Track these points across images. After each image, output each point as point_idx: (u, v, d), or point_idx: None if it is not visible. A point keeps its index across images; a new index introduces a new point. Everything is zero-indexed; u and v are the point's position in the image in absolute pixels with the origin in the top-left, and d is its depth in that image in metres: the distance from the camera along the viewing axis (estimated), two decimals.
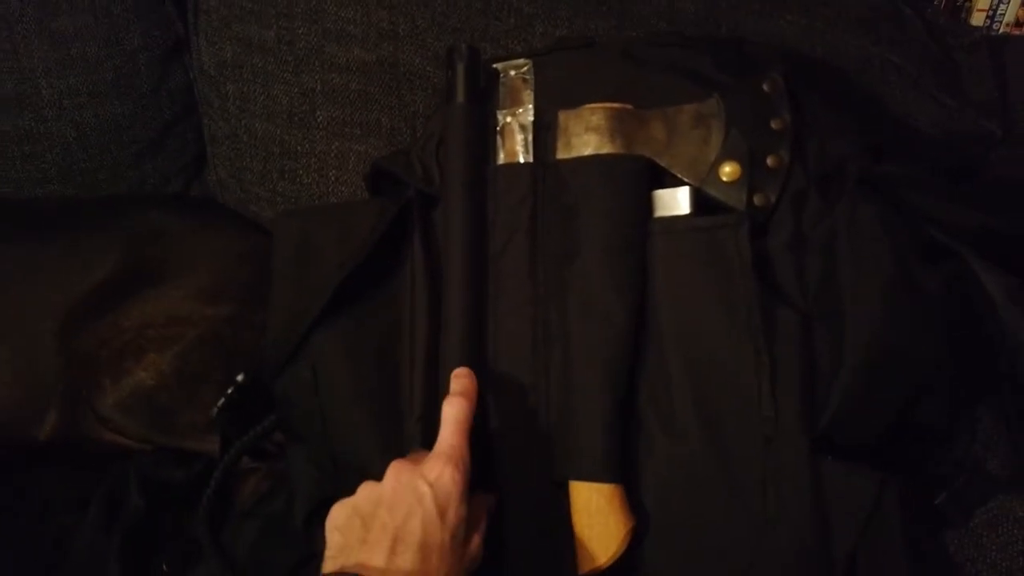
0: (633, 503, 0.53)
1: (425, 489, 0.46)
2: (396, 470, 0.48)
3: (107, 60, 0.77)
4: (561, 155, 0.59)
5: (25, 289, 0.71)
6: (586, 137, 0.59)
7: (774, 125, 0.57)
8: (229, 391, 0.63)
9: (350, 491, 0.58)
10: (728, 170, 0.56)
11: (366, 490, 0.48)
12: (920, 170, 0.54)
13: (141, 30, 0.77)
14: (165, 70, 0.80)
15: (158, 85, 0.80)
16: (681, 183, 0.57)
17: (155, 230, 0.76)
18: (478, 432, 0.54)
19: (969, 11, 1.22)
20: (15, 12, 0.75)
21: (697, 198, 0.56)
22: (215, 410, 0.62)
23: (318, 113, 0.75)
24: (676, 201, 0.56)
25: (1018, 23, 1.24)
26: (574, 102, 0.60)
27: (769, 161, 0.56)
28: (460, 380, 0.53)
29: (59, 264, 0.73)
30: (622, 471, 0.53)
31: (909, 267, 0.51)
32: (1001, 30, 1.23)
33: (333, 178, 0.78)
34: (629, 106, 0.59)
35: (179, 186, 0.87)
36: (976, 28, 1.04)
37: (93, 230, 0.76)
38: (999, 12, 1.22)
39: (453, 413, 0.50)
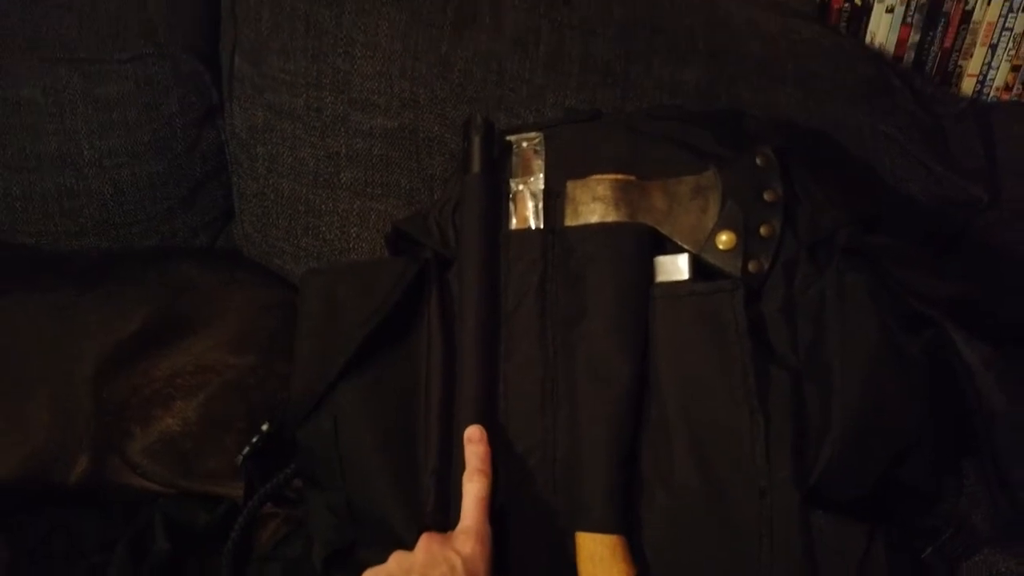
0: (635, 553, 0.56)
1: (457, 561, 0.49)
2: (427, 541, 0.51)
3: (146, 123, 0.82)
4: (569, 222, 0.63)
5: (63, 337, 0.75)
6: (592, 206, 0.63)
7: (767, 197, 0.61)
8: (254, 439, 0.66)
9: (367, 537, 0.62)
10: (724, 239, 0.60)
11: (398, 558, 0.51)
12: (904, 242, 0.58)
13: (179, 96, 0.83)
14: (199, 132, 0.85)
15: (192, 146, 0.85)
16: (681, 250, 0.61)
17: (185, 283, 0.81)
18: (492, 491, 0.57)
19: (960, 77, 1.28)
20: (63, 80, 0.80)
21: (696, 265, 0.60)
22: (240, 457, 0.66)
23: (342, 175, 0.80)
24: (676, 267, 0.60)
25: (1007, 87, 1.29)
26: (581, 172, 0.64)
27: (762, 230, 0.60)
28: (475, 449, 0.56)
29: (95, 314, 0.77)
30: (625, 523, 0.56)
31: (892, 334, 0.55)
32: (991, 95, 1.28)
33: (354, 235, 0.82)
34: (632, 177, 0.64)
35: (207, 239, 0.91)
36: (963, 98, 1.08)
37: (127, 282, 0.80)
38: (988, 77, 1.28)
39: (475, 490, 0.54)
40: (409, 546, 0.57)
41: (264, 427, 0.66)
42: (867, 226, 0.60)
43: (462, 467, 0.57)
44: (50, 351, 0.74)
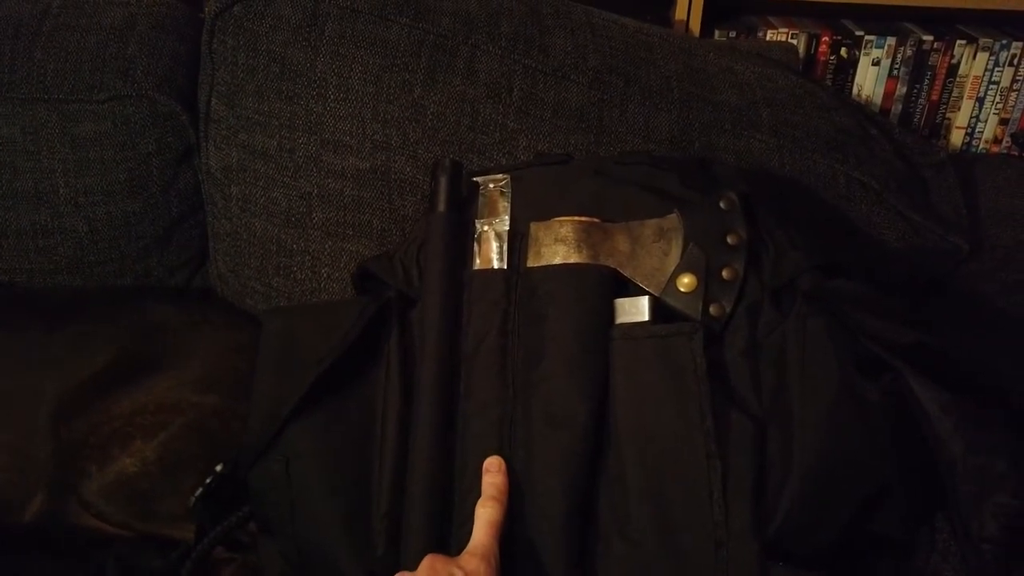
0: None
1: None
2: (431, 561, 0.51)
3: (122, 163, 0.83)
4: (532, 263, 0.63)
5: (27, 376, 0.74)
6: (555, 247, 0.63)
7: (730, 240, 0.61)
8: (208, 480, 0.65)
9: None
10: (686, 281, 0.60)
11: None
12: (866, 287, 0.57)
13: (156, 136, 0.83)
14: (176, 172, 0.86)
15: (168, 186, 0.86)
16: (643, 292, 0.61)
17: (154, 323, 0.80)
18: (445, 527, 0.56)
19: (948, 129, 1.28)
20: (41, 118, 0.81)
21: (657, 307, 0.59)
22: (192, 499, 0.64)
23: (314, 215, 0.80)
24: (637, 309, 0.60)
25: (996, 140, 1.29)
26: (546, 214, 0.64)
27: (724, 274, 0.60)
28: (492, 479, 0.56)
29: (61, 353, 0.76)
30: (580, 573, 0.54)
31: (852, 379, 0.54)
32: (980, 147, 1.28)
33: (325, 275, 0.82)
34: (596, 219, 0.63)
35: (182, 279, 0.91)
36: (942, 147, 1.08)
37: (97, 321, 0.80)
38: (977, 130, 1.28)
39: (486, 515, 0.54)
40: None
41: (218, 468, 0.65)
42: (830, 271, 0.59)
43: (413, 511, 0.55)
44: (13, 391, 0.73)
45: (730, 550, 0.52)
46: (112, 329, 0.78)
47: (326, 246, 0.81)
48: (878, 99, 1.24)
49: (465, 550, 0.52)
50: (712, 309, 0.59)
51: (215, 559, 0.69)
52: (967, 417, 0.51)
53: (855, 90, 1.24)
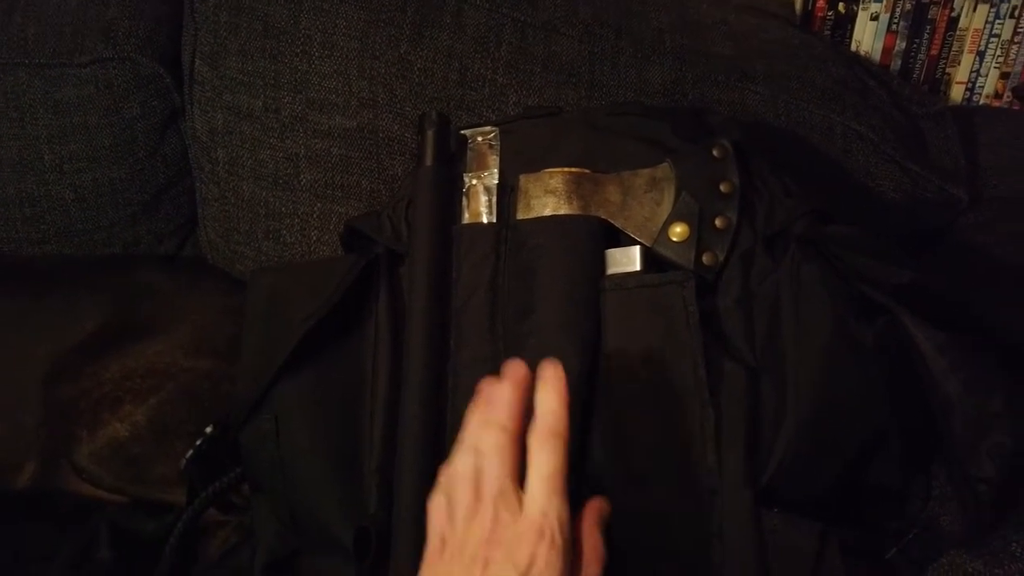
0: None
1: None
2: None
3: (107, 128, 0.82)
4: (521, 216, 0.62)
5: (16, 342, 0.74)
6: (545, 199, 0.61)
7: (723, 188, 0.59)
8: (198, 442, 0.64)
9: (308, 543, 0.59)
10: (678, 231, 0.58)
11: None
12: (859, 230, 0.56)
13: (140, 100, 0.82)
14: (162, 137, 0.85)
15: (154, 151, 0.84)
16: (635, 243, 0.59)
17: (144, 288, 0.80)
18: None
19: (948, 84, 1.26)
20: (23, 83, 0.80)
21: (648, 257, 0.58)
22: (183, 461, 0.64)
23: (302, 176, 0.79)
24: (628, 259, 0.59)
25: (997, 95, 1.27)
26: (536, 166, 0.63)
27: (717, 222, 0.58)
28: (550, 403, 0.44)
29: (50, 319, 0.76)
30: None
31: (847, 324, 0.53)
32: (981, 102, 1.26)
33: (315, 238, 0.81)
34: (587, 170, 0.62)
35: (172, 247, 0.90)
36: (940, 98, 1.07)
37: (86, 287, 0.79)
38: (978, 85, 1.26)
39: (545, 461, 0.42)
40: (349, 551, 0.55)
41: (208, 430, 0.64)
42: (824, 218, 0.58)
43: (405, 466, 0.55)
44: (2, 359, 0.73)
45: (723, 498, 0.51)
46: (101, 295, 0.78)
47: (315, 208, 0.80)
48: (877, 54, 1.22)
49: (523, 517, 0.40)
50: (705, 258, 0.58)
51: (208, 521, 0.69)
52: (963, 357, 0.50)
53: (853, 46, 1.21)
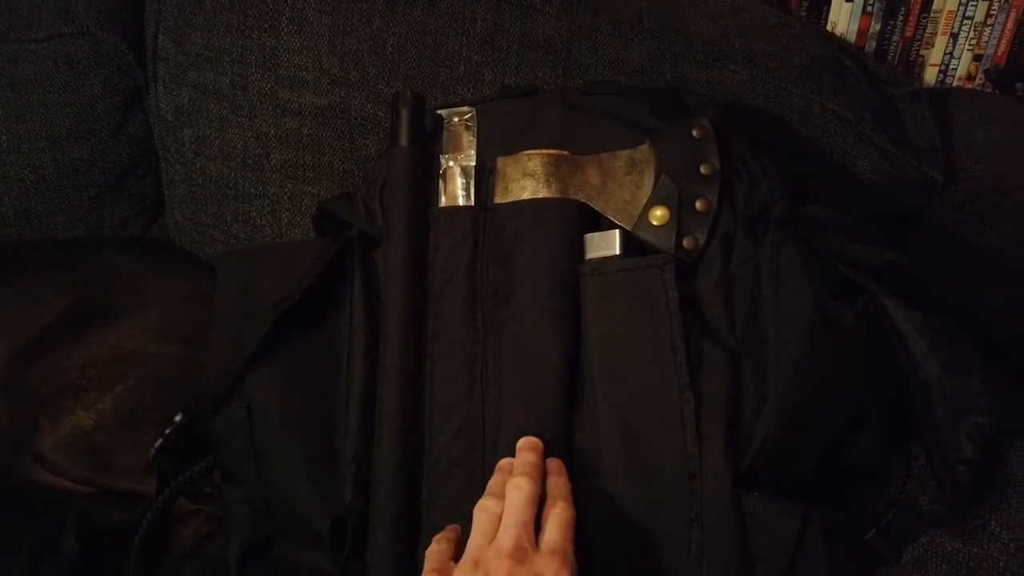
0: None
1: None
2: (510, 566, 0.44)
3: (66, 106, 0.79)
4: (499, 199, 0.60)
5: None
6: (523, 182, 0.60)
7: (703, 170, 0.58)
8: (167, 431, 0.62)
9: (283, 531, 0.58)
10: (658, 214, 0.58)
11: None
12: (838, 211, 0.55)
13: (101, 77, 0.79)
14: (125, 115, 0.82)
15: (117, 130, 0.82)
16: (615, 227, 0.59)
17: (108, 272, 0.77)
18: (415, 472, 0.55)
19: (922, 67, 1.26)
20: None
21: (628, 241, 0.57)
22: (152, 451, 0.62)
23: (271, 156, 0.77)
24: (607, 243, 0.58)
25: (970, 77, 1.28)
26: (514, 148, 0.62)
27: (698, 205, 0.58)
28: (556, 482, 0.50)
29: (10, 305, 0.73)
30: None
31: (827, 305, 0.52)
32: (954, 84, 1.27)
33: (286, 220, 0.79)
34: (565, 152, 0.61)
35: (138, 229, 0.88)
36: (917, 79, 1.07)
37: (48, 272, 0.76)
38: (951, 67, 1.26)
39: (560, 514, 0.48)
40: (324, 538, 0.54)
41: (177, 418, 0.62)
42: (804, 199, 0.58)
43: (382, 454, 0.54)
44: None
45: (703, 481, 0.51)
46: (63, 279, 0.75)
47: (286, 189, 0.78)
48: (852, 36, 1.21)
49: (541, 549, 0.46)
50: (686, 242, 0.57)
51: (180, 511, 0.67)
52: (942, 338, 0.50)
53: (829, 27, 1.21)
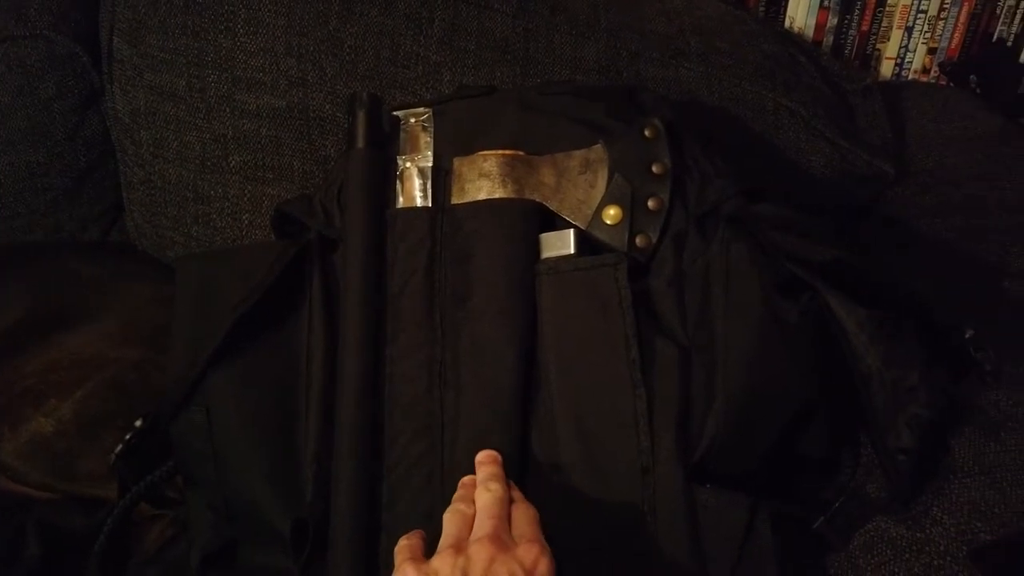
0: None
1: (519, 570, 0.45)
2: (492, 552, 0.45)
3: (21, 109, 0.78)
4: (455, 200, 0.61)
5: None
6: (479, 183, 0.61)
7: (655, 169, 0.60)
8: (128, 436, 0.62)
9: (245, 534, 0.59)
10: (612, 213, 0.59)
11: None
12: (786, 209, 0.57)
13: (56, 80, 0.78)
14: (81, 118, 0.81)
15: (74, 133, 0.81)
16: (569, 226, 0.59)
17: (67, 276, 0.76)
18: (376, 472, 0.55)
19: (879, 60, 1.29)
20: None
21: (583, 240, 0.58)
22: (113, 456, 0.62)
23: (230, 158, 0.77)
24: (562, 242, 0.59)
25: (925, 70, 1.30)
26: (470, 148, 0.62)
27: (650, 204, 0.59)
28: (515, 492, 0.52)
29: None
30: None
31: (774, 301, 0.54)
32: (910, 77, 1.29)
33: (247, 222, 0.79)
34: (521, 152, 0.62)
35: (97, 233, 0.87)
36: (869, 74, 1.09)
37: (5, 278, 0.76)
38: (906, 60, 1.29)
39: (525, 512, 0.49)
40: (286, 540, 0.55)
41: (138, 423, 0.62)
42: (755, 197, 0.59)
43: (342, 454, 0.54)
44: None
45: (656, 475, 0.52)
46: (21, 284, 0.74)
47: (246, 191, 0.78)
48: (810, 31, 1.23)
49: (518, 540, 0.47)
50: (638, 240, 0.58)
51: (143, 516, 0.67)
52: (882, 331, 0.52)
53: (787, 22, 1.22)
